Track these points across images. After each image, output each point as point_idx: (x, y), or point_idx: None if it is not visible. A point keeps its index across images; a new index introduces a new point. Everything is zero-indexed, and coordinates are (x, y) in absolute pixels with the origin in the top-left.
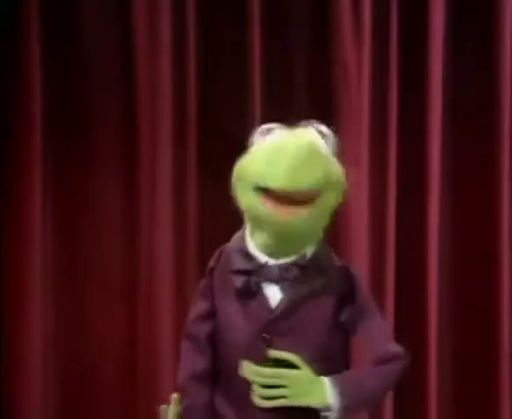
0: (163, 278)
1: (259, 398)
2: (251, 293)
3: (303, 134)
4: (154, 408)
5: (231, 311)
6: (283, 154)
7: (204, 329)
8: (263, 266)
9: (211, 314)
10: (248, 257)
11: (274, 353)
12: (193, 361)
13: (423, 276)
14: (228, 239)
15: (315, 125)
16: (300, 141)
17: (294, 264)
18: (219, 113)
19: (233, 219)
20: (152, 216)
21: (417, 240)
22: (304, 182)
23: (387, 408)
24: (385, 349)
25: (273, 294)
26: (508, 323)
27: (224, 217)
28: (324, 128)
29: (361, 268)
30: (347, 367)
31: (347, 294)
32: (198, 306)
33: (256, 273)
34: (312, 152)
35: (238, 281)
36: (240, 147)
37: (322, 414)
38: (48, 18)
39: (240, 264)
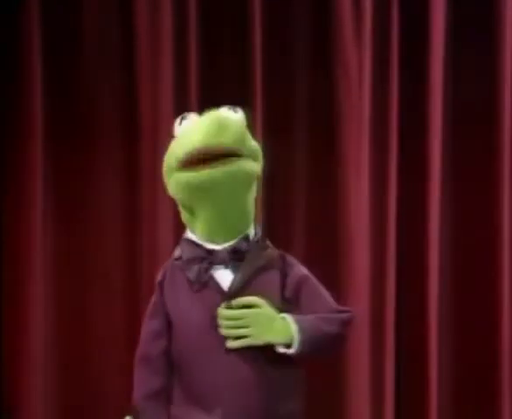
0: None
1: (229, 341)
2: (203, 283)
3: (215, 112)
4: None
5: (186, 306)
6: (194, 128)
7: (157, 346)
8: (211, 252)
9: (163, 330)
10: (196, 246)
11: (237, 301)
12: (149, 381)
13: (424, 278)
14: None
15: (228, 107)
16: (211, 115)
17: (239, 245)
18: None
19: None
20: (153, 216)
21: (417, 241)
22: (217, 140)
23: (387, 408)
24: (334, 306)
25: (224, 277)
26: (509, 325)
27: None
28: (236, 109)
29: (361, 268)
30: None
31: (285, 272)
32: (149, 325)
33: (206, 260)
34: (222, 119)
35: (192, 272)
36: None
37: (282, 350)
38: (49, 20)
39: (190, 253)
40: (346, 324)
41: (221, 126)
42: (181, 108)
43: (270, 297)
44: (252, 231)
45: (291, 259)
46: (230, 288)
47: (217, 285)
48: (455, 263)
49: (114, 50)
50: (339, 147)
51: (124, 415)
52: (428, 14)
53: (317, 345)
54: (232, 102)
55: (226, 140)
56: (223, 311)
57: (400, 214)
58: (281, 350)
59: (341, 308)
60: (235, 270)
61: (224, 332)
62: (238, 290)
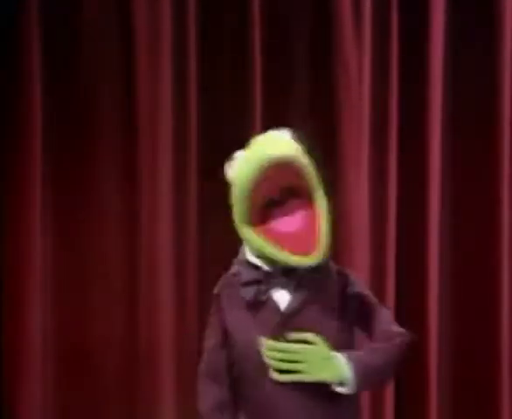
0: (164, 277)
1: (275, 373)
2: (261, 302)
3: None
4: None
5: (246, 327)
6: (255, 151)
7: (221, 359)
8: (269, 274)
9: (224, 343)
10: (253, 268)
11: (291, 335)
12: (216, 393)
13: (424, 277)
14: (228, 239)
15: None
16: (260, 137)
17: (295, 270)
18: (220, 112)
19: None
20: (152, 216)
21: (417, 241)
22: (283, 149)
23: (387, 408)
24: (389, 329)
25: (282, 298)
26: (509, 325)
27: (224, 217)
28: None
29: (362, 268)
30: None
31: (345, 291)
32: (212, 338)
33: (263, 282)
34: (280, 136)
35: (248, 293)
36: (240, 145)
37: (336, 388)
38: (48, 20)
39: (248, 275)
40: (403, 350)
41: (282, 140)
42: (180, 108)
43: (326, 318)
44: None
45: (351, 278)
46: (286, 309)
47: (275, 306)
48: (455, 263)
49: (114, 50)
50: (339, 147)
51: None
52: (428, 14)
53: (372, 379)
54: (232, 102)
55: (288, 149)
56: (273, 343)
57: (400, 214)
58: (337, 389)
59: (397, 330)
60: (292, 290)
61: (272, 363)
62: (294, 311)
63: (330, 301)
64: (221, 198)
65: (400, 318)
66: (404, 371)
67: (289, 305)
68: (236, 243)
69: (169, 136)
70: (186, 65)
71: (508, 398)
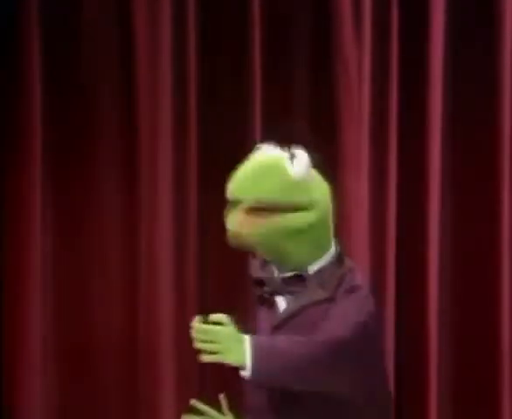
0: (163, 276)
1: (199, 354)
2: (266, 300)
3: (266, 154)
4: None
5: (258, 316)
6: (239, 169)
7: None
8: (272, 278)
9: None
10: (263, 266)
11: (210, 317)
12: None
13: (424, 277)
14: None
15: (292, 148)
16: (256, 157)
17: (294, 277)
18: (220, 112)
19: None
20: (152, 216)
21: (417, 241)
22: (246, 191)
23: None
24: (326, 328)
25: (281, 304)
26: (509, 325)
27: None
28: (299, 152)
29: (362, 268)
30: None
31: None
32: None
33: (267, 284)
34: (263, 166)
35: (256, 290)
36: (240, 145)
37: (241, 372)
38: (48, 20)
39: (256, 273)
40: (330, 349)
41: (258, 176)
42: (180, 108)
43: (313, 331)
44: (315, 265)
45: (354, 293)
46: (280, 316)
47: (276, 307)
48: (455, 262)
49: (113, 50)
50: (339, 147)
51: None
52: (428, 13)
53: (278, 372)
54: (232, 102)
55: (255, 192)
56: (196, 324)
57: (400, 214)
58: (241, 373)
59: (334, 332)
60: (288, 298)
61: (197, 345)
62: (285, 320)
63: (325, 315)
64: (222, 197)
65: (400, 318)
66: (405, 371)
67: (283, 312)
68: None
69: (169, 136)
70: (186, 65)
71: (508, 398)
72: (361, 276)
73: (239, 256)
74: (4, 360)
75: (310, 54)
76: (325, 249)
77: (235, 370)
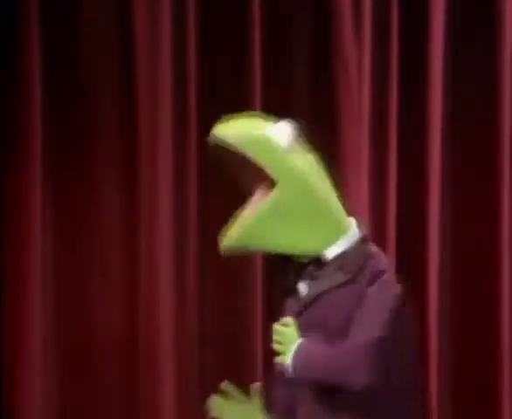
0: (164, 277)
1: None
2: (290, 290)
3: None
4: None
5: (284, 308)
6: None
7: None
8: (294, 264)
9: None
10: (282, 258)
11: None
12: None
13: (424, 277)
14: None
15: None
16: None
17: (313, 263)
18: (220, 112)
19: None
20: (152, 216)
21: (417, 241)
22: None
23: None
24: (354, 337)
25: (302, 290)
26: (509, 324)
27: (225, 216)
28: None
29: None
30: None
31: (364, 291)
32: None
33: (290, 271)
34: (252, 122)
35: (280, 282)
36: None
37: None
38: (48, 20)
39: (281, 261)
40: (359, 350)
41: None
42: (180, 108)
43: (335, 316)
44: (333, 250)
45: (379, 278)
46: (301, 301)
47: (298, 294)
48: (455, 262)
49: (113, 50)
50: (339, 147)
51: None
52: (428, 13)
53: (316, 371)
54: (232, 102)
55: (232, 134)
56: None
57: (400, 214)
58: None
59: (358, 341)
60: (308, 283)
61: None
62: (306, 306)
63: (346, 298)
64: (222, 197)
65: None
66: None
67: (304, 297)
68: None
69: (169, 136)
70: (186, 65)
71: (508, 398)
72: (385, 260)
73: (240, 258)
74: (4, 360)
75: (310, 54)
76: (336, 231)
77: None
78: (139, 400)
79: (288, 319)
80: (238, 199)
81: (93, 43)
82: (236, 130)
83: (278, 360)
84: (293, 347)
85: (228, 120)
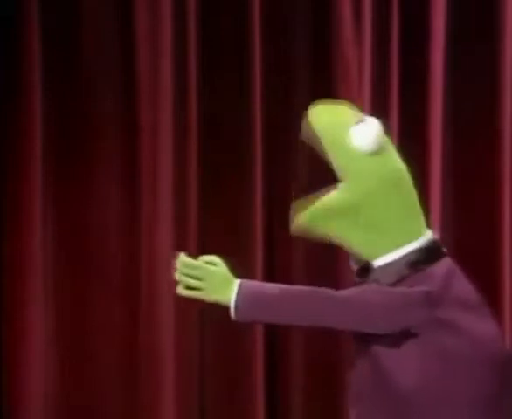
0: (164, 279)
1: (179, 287)
2: None
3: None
4: None
5: None
6: None
7: None
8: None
9: None
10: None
11: (200, 258)
12: None
13: None
14: (229, 240)
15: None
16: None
17: (363, 269)
18: (220, 113)
19: (234, 220)
20: (153, 217)
21: None
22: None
23: None
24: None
25: None
26: (510, 324)
27: (225, 218)
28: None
29: None
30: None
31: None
32: None
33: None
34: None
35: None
36: (242, 147)
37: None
38: (48, 20)
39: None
40: (327, 310)
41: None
42: (181, 109)
43: None
44: (378, 261)
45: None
46: None
47: None
48: (456, 262)
49: (114, 51)
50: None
51: None
52: (428, 14)
53: (264, 317)
54: (232, 103)
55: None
56: (182, 256)
57: None
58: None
59: (343, 292)
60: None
61: (176, 276)
62: None
63: None
64: (223, 198)
65: None
66: None
67: None
68: (236, 243)
69: (170, 136)
70: (186, 66)
71: None
72: (440, 283)
73: (240, 258)
74: (5, 360)
75: (310, 55)
76: (394, 242)
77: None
78: (139, 401)
79: (212, 257)
80: (238, 203)
81: (93, 44)
82: (322, 119)
83: (190, 294)
84: (228, 286)
85: (324, 104)
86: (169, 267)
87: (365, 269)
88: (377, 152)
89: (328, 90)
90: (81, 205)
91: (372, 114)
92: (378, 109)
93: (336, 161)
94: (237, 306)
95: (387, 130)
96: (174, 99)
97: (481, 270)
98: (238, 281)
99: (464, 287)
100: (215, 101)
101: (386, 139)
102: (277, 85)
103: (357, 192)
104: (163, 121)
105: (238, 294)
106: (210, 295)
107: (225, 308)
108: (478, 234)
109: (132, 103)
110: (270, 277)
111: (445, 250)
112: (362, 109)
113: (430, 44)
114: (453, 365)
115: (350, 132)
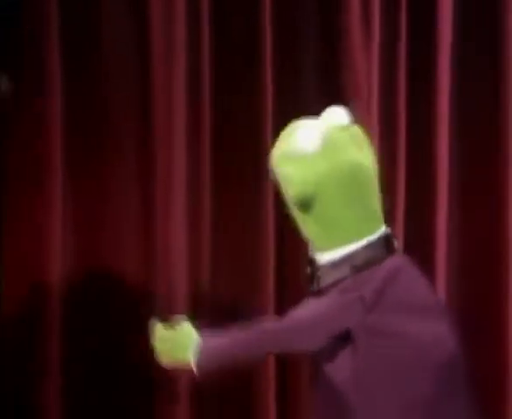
0: (178, 277)
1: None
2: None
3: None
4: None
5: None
6: None
7: None
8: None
9: None
10: None
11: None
12: None
13: (431, 275)
14: (242, 237)
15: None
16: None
17: (308, 269)
18: (233, 113)
19: (247, 217)
20: (167, 216)
21: (424, 243)
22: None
23: None
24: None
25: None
26: None
27: (239, 216)
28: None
29: None
30: None
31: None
32: None
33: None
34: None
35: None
36: (254, 146)
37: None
38: (66, 19)
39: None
40: (267, 334)
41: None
42: (194, 107)
43: None
44: (323, 256)
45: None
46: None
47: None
48: (463, 264)
49: (129, 58)
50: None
51: None
52: (436, 19)
53: (223, 366)
54: (244, 104)
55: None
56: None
57: (408, 215)
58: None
59: (286, 320)
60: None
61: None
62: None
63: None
64: (236, 197)
65: None
66: None
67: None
68: (249, 240)
69: (184, 136)
70: (200, 71)
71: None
72: (383, 275)
73: (253, 255)
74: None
75: (319, 61)
76: (341, 238)
77: None
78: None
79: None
80: (251, 201)
81: (109, 51)
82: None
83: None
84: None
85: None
86: (184, 268)
87: (312, 265)
88: (325, 150)
89: (336, 92)
90: (96, 202)
91: (381, 122)
92: (387, 114)
93: (287, 175)
94: (198, 367)
95: (365, 131)
96: (188, 97)
97: (489, 271)
98: (197, 341)
99: (408, 289)
100: (228, 99)
101: (343, 138)
102: (287, 88)
103: (308, 184)
104: (178, 119)
105: (197, 357)
106: (174, 356)
107: None
108: (485, 235)
109: (147, 102)
110: (281, 271)
111: (396, 247)
112: (371, 116)
113: (438, 46)
114: (384, 368)
115: (291, 140)
